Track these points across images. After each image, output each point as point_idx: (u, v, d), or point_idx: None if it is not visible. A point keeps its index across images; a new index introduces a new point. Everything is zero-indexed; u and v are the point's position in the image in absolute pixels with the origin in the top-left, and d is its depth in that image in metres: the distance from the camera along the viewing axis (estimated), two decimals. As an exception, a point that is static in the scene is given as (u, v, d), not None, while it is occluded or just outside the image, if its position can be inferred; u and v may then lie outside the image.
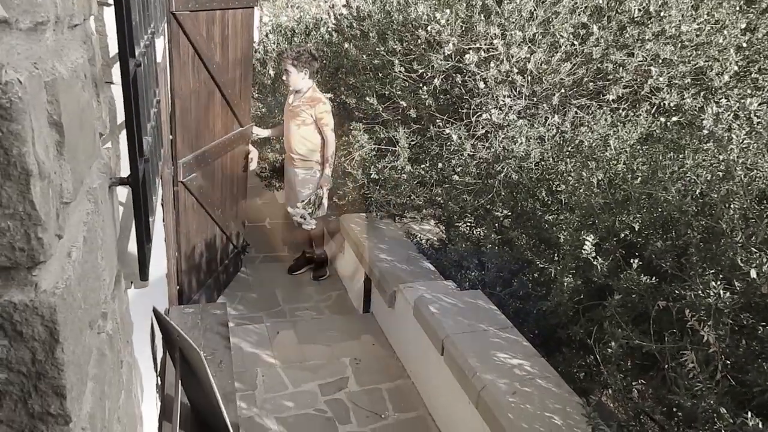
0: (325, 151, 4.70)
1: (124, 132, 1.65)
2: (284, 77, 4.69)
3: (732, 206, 2.46)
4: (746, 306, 2.37)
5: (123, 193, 1.91)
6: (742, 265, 2.28)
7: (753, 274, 2.12)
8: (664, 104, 4.13)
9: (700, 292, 2.29)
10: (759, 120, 3.09)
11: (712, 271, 2.44)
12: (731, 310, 2.28)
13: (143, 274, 1.43)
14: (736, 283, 2.26)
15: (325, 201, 4.75)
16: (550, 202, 4.18)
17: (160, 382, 2.92)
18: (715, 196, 2.51)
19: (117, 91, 1.74)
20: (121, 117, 1.80)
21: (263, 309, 4.63)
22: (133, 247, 1.66)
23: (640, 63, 4.12)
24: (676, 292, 2.54)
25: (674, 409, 2.36)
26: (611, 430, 2.14)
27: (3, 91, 0.71)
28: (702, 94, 4.25)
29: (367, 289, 4.44)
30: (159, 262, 3.24)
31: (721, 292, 2.22)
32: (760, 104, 3.24)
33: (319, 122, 4.63)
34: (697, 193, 2.76)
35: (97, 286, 1.14)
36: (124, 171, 1.86)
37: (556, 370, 3.17)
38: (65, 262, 0.90)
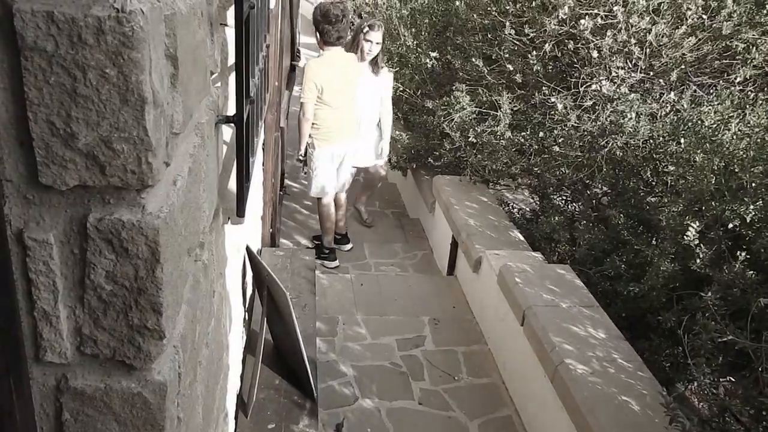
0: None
1: (233, 74, 1.71)
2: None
3: None
4: None
5: (228, 132, 1.99)
6: None
7: None
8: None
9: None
10: None
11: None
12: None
13: (240, 211, 1.49)
14: None
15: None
16: (654, 183, 3.99)
17: (247, 317, 3.07)
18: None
19: (230, 33, 1.78)
20: (232, 59, 1.85)
21: (350, 260, 4.74)
22: (233, 184, 1.73)
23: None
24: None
25: (763, 413, 2.24)
26: (691, 424, 2.07)
27: (127, 20, 0.74)
28: None
29: (453, 252, 4.44)
30: (256, 204, 3.37)
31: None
32: None
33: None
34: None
35: (198, 216, 1.20)
36: (231, 111, 1.93)
37: (641, 356, 3.07)
38: (170, 189, 0.95)
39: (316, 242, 4.84)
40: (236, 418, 2.55)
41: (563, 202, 4.55)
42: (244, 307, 2.80)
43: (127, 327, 0.91)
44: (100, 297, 0.88)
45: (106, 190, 0.84)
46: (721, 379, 2.40)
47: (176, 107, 0.97)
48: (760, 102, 3.39)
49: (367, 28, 4.52)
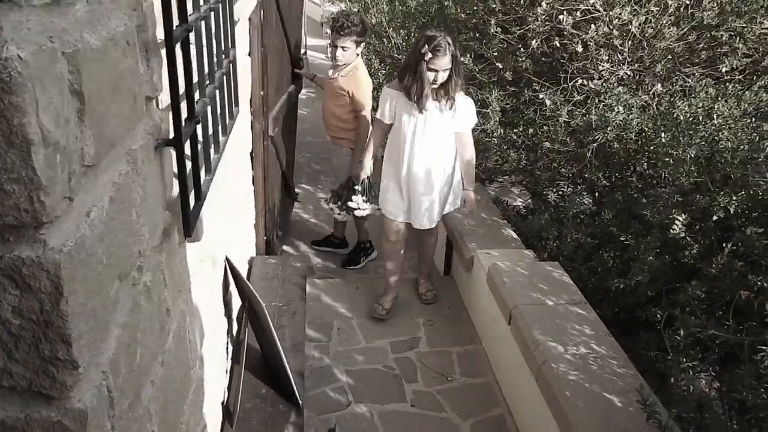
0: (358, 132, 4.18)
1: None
2: (337, 54, 4.08)
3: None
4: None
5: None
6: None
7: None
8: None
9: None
10: None
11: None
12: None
13: (187, 231, 1.52)
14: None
15: (359, 200, 4.00)
16: (647, 176, 3.96)
17: (236, 328, 3.10)
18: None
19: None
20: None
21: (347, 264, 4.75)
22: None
23: (764, 33, 3.75)
24: (758, 283, 2.36)
25: (747, 406, 2.23)
26: (665, 420, 2.06)
27: (3, 66, 0.77)
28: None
29: (449, 252, 4.44)
30: (242, 214, 3.40)
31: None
32: None
33: (354, 98, 4.13)
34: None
35: (130, 242, 1.23)
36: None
37: (633, 352, 3.06)
38: (82, 222, 0.98)
39: (316, 247, 4.85)
40: (222, 428, 2.59)
41: (555, 198, 4.53)
42: (229, 318, 2.83)
43: (40, 359, 0.94)
44: (10, 331, 0.91)
45: (4, 229, 0.87)
46: (702, 374, 2.39)
47: (86, 141, 1.00)
48: (736, 91, 3.34)
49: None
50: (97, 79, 1.05)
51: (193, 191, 1.61)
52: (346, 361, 3.56)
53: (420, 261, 4.23)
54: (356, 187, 3.97)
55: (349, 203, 4.01)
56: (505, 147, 4.56)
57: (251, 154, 3.88)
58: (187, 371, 1.82)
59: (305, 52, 6.80)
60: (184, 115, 1.47)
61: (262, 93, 3.81)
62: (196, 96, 1.61)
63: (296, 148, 5.45)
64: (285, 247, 4.88)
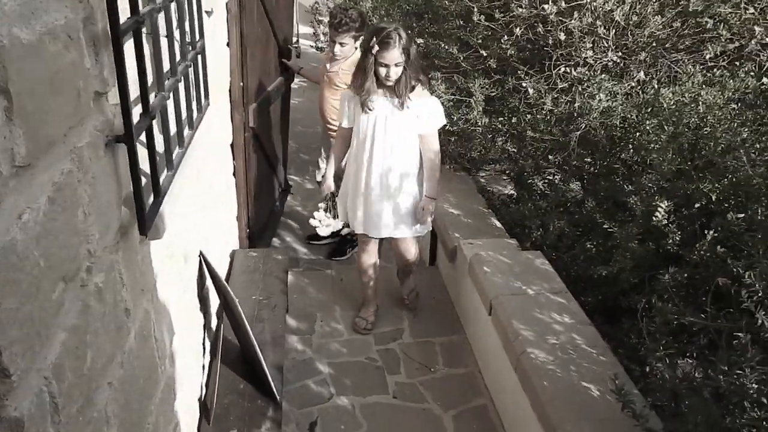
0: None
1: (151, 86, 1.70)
2: (335, 50, 4.01)
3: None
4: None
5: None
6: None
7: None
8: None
9: (758, 272, 2.10)
10: None
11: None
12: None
13: (142, 229, 1.49)
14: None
15: (321, 215, 3.69)
16: (632, 163, 3.93)
17: (214, 323, 3.08)
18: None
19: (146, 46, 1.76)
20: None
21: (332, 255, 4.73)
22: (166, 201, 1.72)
23: (748, 18, 3.71)
24: (734, 270, 2.34)
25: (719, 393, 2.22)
26: (639, 409, 2.05)
27: None
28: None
29: (434, 242, 4.42)
30: (219, 209, 3.37)
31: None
32: None
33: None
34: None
35: (76, 242, 1.20)
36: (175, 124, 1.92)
37: (617, 339, 3.05)
38: (11, 224, 0.94)
39: (313, 242, 4.78)
40: (199, 425, 2.57)
41: (544, 186, 4.50)
42: (205, 314, 2.81)
43: (-29, 368, 0.91)
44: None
45: None
46: (678, 361, 2.37)
47: (15, 140, 0.96)
48: (721, 78, 3.32)
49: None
50: (29, 76, 1.02)
51: (151, 188, 1.58)
52: (329, 354, 3.55)
53: (399, 270, 3.93)
54: (320, 204, 3.66)
55: (311, 220, 3.67)
56: (489, 136, 4.52)
57: (232, 146, 3.84)
58: (153, 371, 1.80)
59: (297, 41, 6.68)
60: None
61: (241, 84, 3.76)
62: (153, 91, 1.58)
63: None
64: (276, 239, 4.84)
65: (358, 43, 4.07)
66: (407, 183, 3.32)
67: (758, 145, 2.98)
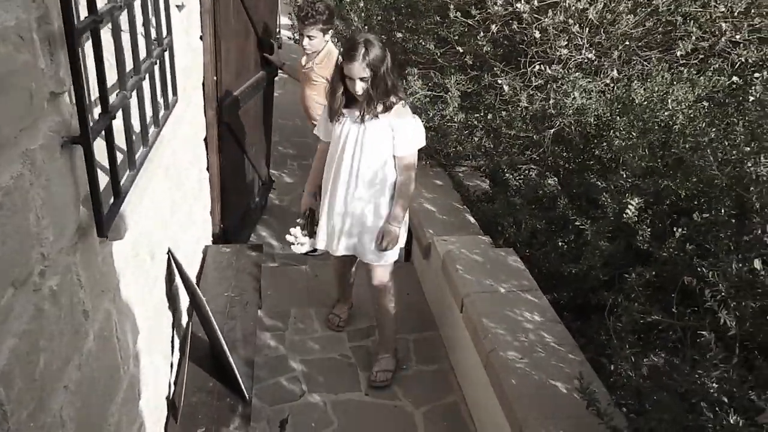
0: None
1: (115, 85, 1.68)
2: (304, 43, 4.06)
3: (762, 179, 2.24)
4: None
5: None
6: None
7: (757, 264, 1.94)
8: (744, 61, 3.78)
9: (721, 271, 2.13)
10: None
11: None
12: (755, 293, 2.12)
13: (100, 231, 1.47)
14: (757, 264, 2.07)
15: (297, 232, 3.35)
16: (606, 160, 3.97)
17: (185, 321, 3.06)
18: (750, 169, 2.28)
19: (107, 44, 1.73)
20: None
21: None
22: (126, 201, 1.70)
23: (718, 16, 3.75)
24: (699, 268, 2.37)
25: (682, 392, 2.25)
26: (603, 407, 2.07)
27: None
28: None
29: (409, 239, 4.42)
30: (191, 205, 3.34)
31: (743, 273, 2.06)
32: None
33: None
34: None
35: (27, 247, 1.18)
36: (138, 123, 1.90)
37: (588, 336, 3.07)
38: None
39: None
40: (167, 423, 2.56)
41: (519, 182, 4.52)
42: (174, 311, 2.79)
43: None
44: None
45: None
46: (644, 360, 2.40)
47: (-43, 145, 0.95)
48: (690, 76, 3.35)
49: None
50: (-28, 79, 1.00)
51: (111, 188, 1.56)
52: (302, 350, 3.54)
53: (377, 326, 3.57)
54: (298, 219, 3.39)
55: (287, 236, 3.37)
56: (466, 132, 4.53)
57: (206, 140, 3.81)
58: (114, 371, 1.78)
59: (279, 33, 6.59)
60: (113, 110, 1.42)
61: (215, 78, 3.73)
62: (113, 90, 1.56)
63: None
64: (254, 235, 4.82)
65: (328, 36, 4.08)
66: (375, 204, 3.09)
67: (726, 143, 3.02)
